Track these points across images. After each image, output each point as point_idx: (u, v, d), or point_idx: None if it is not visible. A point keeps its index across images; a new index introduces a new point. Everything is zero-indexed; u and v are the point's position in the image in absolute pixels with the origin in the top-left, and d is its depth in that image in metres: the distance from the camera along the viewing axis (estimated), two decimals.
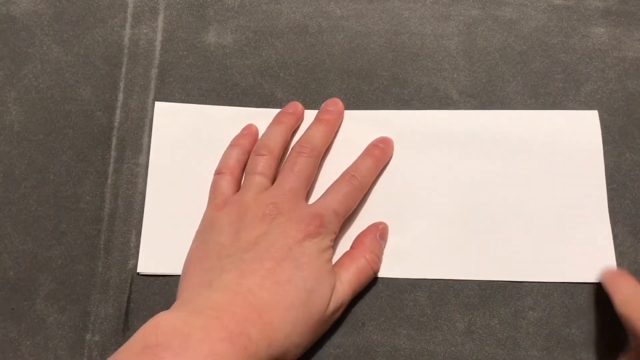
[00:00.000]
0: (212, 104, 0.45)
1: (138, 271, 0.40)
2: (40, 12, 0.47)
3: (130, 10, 0.47)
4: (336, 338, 0.39)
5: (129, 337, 0.38)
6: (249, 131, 0.43)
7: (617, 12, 0.47)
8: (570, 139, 0.43)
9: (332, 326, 0.39)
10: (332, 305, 0.37)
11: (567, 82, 0.45)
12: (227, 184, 0.41)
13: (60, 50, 0.46)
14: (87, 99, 0.45)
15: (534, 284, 0.40)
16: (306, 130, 0.43)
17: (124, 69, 0.46)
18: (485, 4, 0.48)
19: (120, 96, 0.45)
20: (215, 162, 0.43)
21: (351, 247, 0.41)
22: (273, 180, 0.41)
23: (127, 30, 0.47)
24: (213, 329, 0.33)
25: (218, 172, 0.42)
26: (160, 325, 0.33)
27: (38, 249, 0.41)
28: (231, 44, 0.46)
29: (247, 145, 0.43)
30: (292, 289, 0.35)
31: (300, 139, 0.42)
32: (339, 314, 0.38)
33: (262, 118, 0.44)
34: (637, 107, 0.45)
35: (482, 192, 0.42)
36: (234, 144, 0.43)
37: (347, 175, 0.41)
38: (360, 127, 0.44)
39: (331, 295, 0.37)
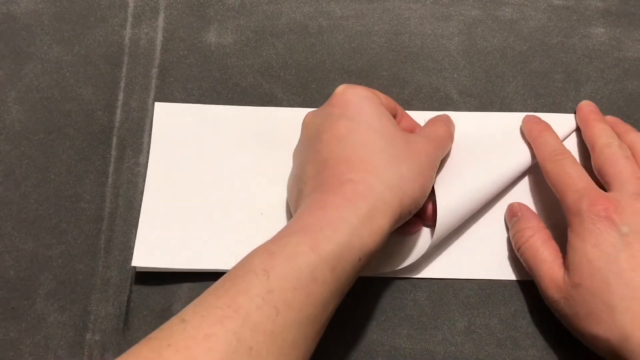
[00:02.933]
0: (213, 104, 0.45)
1: (133, 264, 0.39)
2: (40, 12, 0.47)
3: (130, 10, 0.47)
4: (336, 338, 0.39)
5: (129, 336, 0.39)
6: None
7: (617, 13, 0.47)
8: (569, 141, 0.43)
9: (332, 325, 0.39)
10: None
11: (567, 83, 0.45)
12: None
13: (61, 50, 0.46)
14: (88, 99, 0.45)
15: (533, 283, 0.40)
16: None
17: (124, 69, 0.46)
18: (485, 4, 0.48)
19: (121, 96, 0.45)
20: (214, 161, 0.43)
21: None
22: None
23: (128, 30, 0.47)
24: None
25: None
26: None
27: (38, 248, 0.41)
28: (231, 43, 0.46)
29: None
30: None
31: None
32: None
33: (262, 118, 0.44)
34: (637, 107, 0.45)
35: (481, 192, 0.42)
36: None
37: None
38: None
39: None
